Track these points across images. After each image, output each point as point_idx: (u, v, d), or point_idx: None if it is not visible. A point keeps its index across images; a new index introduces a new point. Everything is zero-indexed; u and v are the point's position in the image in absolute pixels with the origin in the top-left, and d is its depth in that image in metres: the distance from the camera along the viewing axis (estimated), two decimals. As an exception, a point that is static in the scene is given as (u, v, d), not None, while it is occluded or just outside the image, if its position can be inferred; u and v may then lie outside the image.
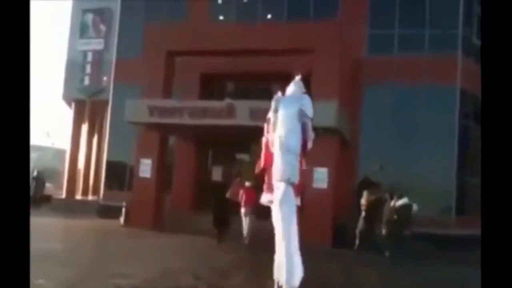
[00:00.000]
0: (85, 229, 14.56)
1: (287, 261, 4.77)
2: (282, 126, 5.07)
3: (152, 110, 14.70)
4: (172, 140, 17.15)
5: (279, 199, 4.95)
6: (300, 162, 5.15)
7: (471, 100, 16.00)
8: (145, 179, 15.11)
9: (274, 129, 5.19)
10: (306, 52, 13.98)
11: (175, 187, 17.75)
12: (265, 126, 5.61)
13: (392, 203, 11.29)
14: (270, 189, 5.31)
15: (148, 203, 14.81)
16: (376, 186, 11.97)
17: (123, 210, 15.68)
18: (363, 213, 11.67)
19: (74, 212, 17.85)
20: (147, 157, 15.23)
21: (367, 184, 12.06)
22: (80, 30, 25.45)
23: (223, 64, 16.59)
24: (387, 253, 10.97)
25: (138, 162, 15.38)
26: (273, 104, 5.25)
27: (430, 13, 16.63)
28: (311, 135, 5.20)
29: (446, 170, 15.77)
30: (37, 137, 44.32)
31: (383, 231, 11.36)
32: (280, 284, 4.92)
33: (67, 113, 27.60)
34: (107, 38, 24.39)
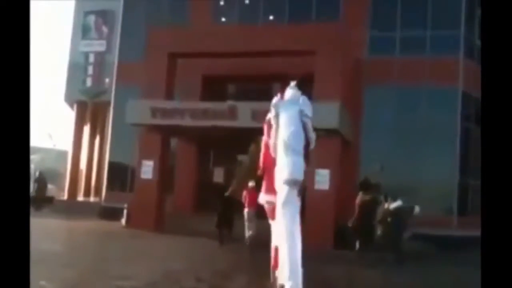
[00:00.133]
0: (87, 230, 14.57)
1: (290, 262, 4.78)
2: (285, 129, 5.09)
3: (154, 112, 14.72)
4: (173, 141, 17.16)
5: (283, 200, 4.97)
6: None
7: (473, 101, 15.98)
8: (147, 180, 15.12)
9: (276, 134, 5.21)
10: (308, 53, 14.00)
11: (177, 188, 17.77)
12: (265, 126, 5.62)
13: (386, 205, 11.27)
14: (271, 191, 5.31)
15: (150, 204, 14.83)
16: (372, 187, 11.93)
17: (125, 211, 15.70)
18: (356, 213, 11.71)
19: (76, 213, 17.87)
20: (149, 158, 15.25)
21: (365, 185, 12.03)
22: (82, 31, 25.54)
23: (225, 66, 16.62)
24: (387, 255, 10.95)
25: (140, 164, 15.40)
26: (273, 109, 5.28)
27: (432, 14, 16.63)
28: (312, 135, 5.25)
29: (448, 171, 15.77)
30: (39, 138, 44.42)
31: (378, 232, 11.34)
32: (281, 284, 4.92)
33: (69, 115, 27.70)
34: (109, 40, 24.47)
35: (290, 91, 5.41)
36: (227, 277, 7.34)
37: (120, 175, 19.85)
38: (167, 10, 19.18)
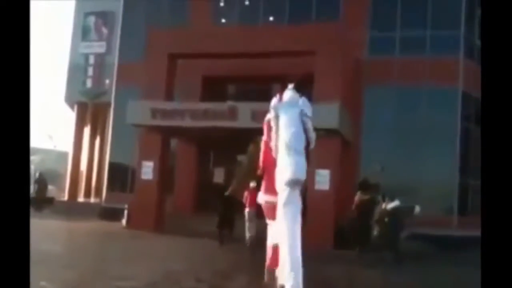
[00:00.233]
0: (87, 231, 14.58)
1: (291, 261, 4.80)
2: (286, 130, 5.13)
3: (154, 112, 14.73)
4: (174, 142, 17.18)
5: (285, 200, 5.00)
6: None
7: (473, 101, 16.00)
8: (147, 181, 15.13)
9: (276, 135, 5.24)
10: (308, 54, 14.01)
11: (177, 189, 17.78)
12: (264, 126, 5.64)
13: (383, 205, 11.27)
14: (270, 191, 5.33)
15: (150, 205, 14.84)
16: (371, 187, 11.94)
17: (125, 212, 15.72)
18: (354, 213, 11.72)
19: (76, 214, 17.87)
20: (149, 159, 15.26)
21: (364, 185, 12.04)
22: (82, 33, 25.54)
23: (225, 67, 16.64)
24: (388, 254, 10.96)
25: (140, 164, 15.42)
26: (272, 111, 5.31)
27: (432, 14, 16.64)
28: (312, 135, 5.29)
29: (448, 171, 15.79)
30: (39, 139, 44.44)
31: (374, 232, 11.33)
32: (282, 284, 4.94)
33: (70, 116, 27.71)
34: (109, 41, 24.47)
35: (289, 93, 5.46)
36: (227, 278, 7.33)
37: (121, 176, 19.87)
38: (167, 11, 19.20)
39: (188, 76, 16.97)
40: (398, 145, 16.04)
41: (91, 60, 25.26)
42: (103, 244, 12.23)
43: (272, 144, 5.31)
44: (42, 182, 22.05)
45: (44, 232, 11.93)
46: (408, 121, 16.27)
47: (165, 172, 15.67)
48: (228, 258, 10.18)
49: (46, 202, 20.96)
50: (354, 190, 14.85)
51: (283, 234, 4.94)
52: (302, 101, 5.33)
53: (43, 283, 5.86)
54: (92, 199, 24.56)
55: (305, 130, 5.22)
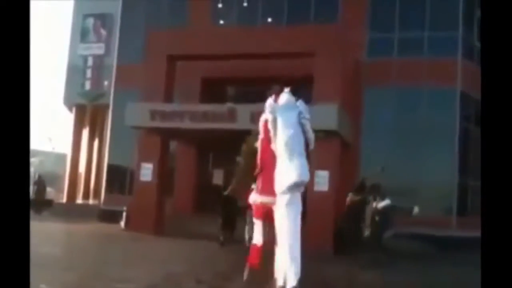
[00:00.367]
0: (87, 233, 14.56)
1: (291, 262, 4.82)
2: (285, 133, 5.16)
3: (153, 114, 14.72)
4: (173, 144, 17.17)
5: (287, 201, 5.04)
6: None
7: (472, 102, 16.03)
8: (146, 183, 15.11)
9: (275, 138, 5.27)
10: (307, 55, 14.02)
11: (176, 190, 17.77)
12: (261, 125, 5.67)
13: (374, 204, 11.27)
14: (268, 192, 5.34)
15: (149, 207, 14.81)
16: (366, 188, 11.94)
17: (124, 214, 15.69)
18: (346, 213, 11.74)
19: (75, 216, 17.84)
20: (148, 161, 15.24)
21: (360, 188, 12.06)
22: (81, 34, 25.53)
23: (224, 68, 16.64)
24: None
25: (139, 166, 15.39)
26: (270, 114, 5.34)
27: (430, 16, 16.67)
28: (311, 136, 5.33)
29: (447, 171, 15.81)
30: (38, 141, 44.38)
31: (366, 232, 11.34)
32: (281, 285, 4.96)
33: (68, 118, 27.68)
34: (108, 43, 24.46)
35: (285, 96, 5.50)
36: (228, 279, 7.33)
37: (119, 178, 19.86)
38: (165, 13, 19.21)
39: (187, 78, 16.97)
40: (397, 146, 16.06)
41: (90, 61, 25.24)
42: (102, 246, 12.21)
43: (272, 146, 5.34)
44: (41, 184, 22.02)
45: (43, 234, 11.91)
46: (407, 122, 16.30)
47: (164, 174, 15.65)
48: (228, 260, 10.17)
49: (45, 204, 20.92)
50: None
51: (284, 235, 4.97)
52: (300, 103, 5.38)
53: (43, 285, 5.86)
54: (91, 201, 24.52)
55: (304, 132, 5.25)
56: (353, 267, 9.66)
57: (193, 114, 14.57)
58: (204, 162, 18.52)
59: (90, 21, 25.37)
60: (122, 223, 15.61)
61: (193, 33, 16.50)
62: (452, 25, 16.42)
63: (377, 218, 11.14)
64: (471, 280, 6.88)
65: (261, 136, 5.70)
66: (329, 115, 12.70)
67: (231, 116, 14.04)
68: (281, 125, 5.22)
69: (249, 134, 7.41)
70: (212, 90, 17.98)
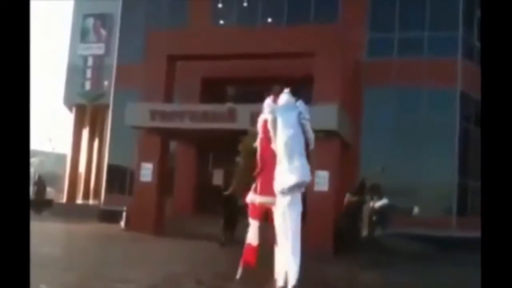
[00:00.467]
0: (87, 233, 14.56)
1: (292, 262, 4.83)
2: (285, 133, 5.16)
3: (153, 114, 14.73)
4: (173, 144, 17.17)
5: (289, 201, 5.05)
6: None
7: (472, 102, 16.04)
8: (146, 183, 15.10)
9: (275, 139, 5.28)
10: (307, 55, 14.02)
11: (176, 191, 17.77)
12: (260, 125, 5.67)
13: (371, 204, 11.28)
14: (267, 192, 5.34)
15: (149, 207, 14.81)
16: (365, 189, 11.95)
17: (124, 214, 15.69)
18: (344, 213, 11.75)
19: (75, 216, 17.85)
20: (148, 161, 15.23)
21: (360, 189, 12.06)
22: (81, 34, 25.52)
23: (224, 68, 16.64)
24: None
25: (139, 166, 15.39)
26: (270, 115, 5.34)
27: (430, 16, 16.68)
28: (311, 136, 5.34)
29: (447, 172, 15.81)
30: (38, 141, 44.41)
31: (364, 232, 11.34)
32: (282, 285, 4.96)
33: (68, 118, 27.68)
34: (108, 43, 24.45)
35: (285, 96, 5.51)
36: (228, 279, 7.33)
37: (119, 178, 19.86)
38: (165, 13, 19.21)
39: (187, 78, 16.96)
40: (397, 146, 16.06)
41: (90, 62, 25.23)
42: (102, 246, 12.21)
43: (273, 146, 5.34)
44: (41, 184, 22.03)
45: (43, 235, 11.91)
46: (407, 122, 16.31)
47: (164, 174, 15.65)
48: (228, 260, 10.16)
49: (45, 204, 20.93)
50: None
51: (284, 235, 4.98)
52: (299, 103, 5.38)
53: (43, 285, 5.86)
54: (91, 201, 24.52)
55: (304, 132, 5.26)
56: (353, 267, 9.66)
57: (193, 114, 14.57)
58: (204, 162, 18.52)
59: (90, 21, 25.36)
60: (122, 223, 15.62)
61: (193, 33, 16.50)
62: (452, 25, 16.43)
63: (374, 217, 11.14)
64: (471, 280, 6.88)
65: (260, 136, 5.70)
66: (329, 115, 12.70)
67: (231, 116, 14.04)
68: (281, 125, 5.22)
69: (245, 135, 7.43)
70: (212, 90, 17.98)
